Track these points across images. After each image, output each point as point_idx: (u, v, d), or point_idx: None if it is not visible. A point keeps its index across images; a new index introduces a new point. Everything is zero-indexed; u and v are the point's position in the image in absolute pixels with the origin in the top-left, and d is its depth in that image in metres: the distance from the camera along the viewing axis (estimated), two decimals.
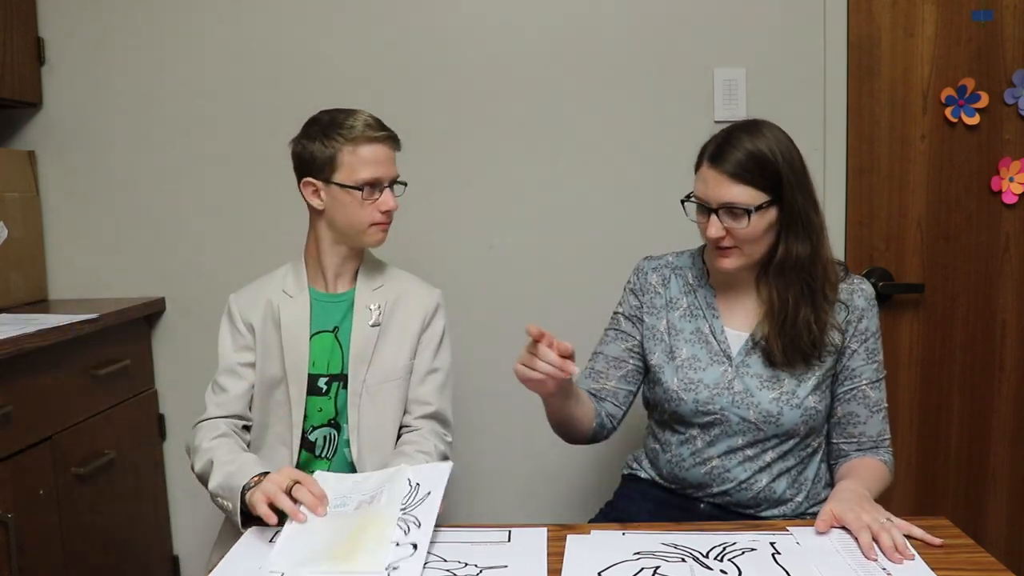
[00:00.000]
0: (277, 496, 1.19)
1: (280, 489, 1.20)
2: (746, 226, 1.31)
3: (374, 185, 1.44)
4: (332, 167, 1.44)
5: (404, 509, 1.18)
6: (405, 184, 1.51)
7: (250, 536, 1.22)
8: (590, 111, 2.07)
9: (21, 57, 2.00)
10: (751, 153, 1.30)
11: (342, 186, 1.44)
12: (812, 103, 2.04)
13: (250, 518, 1.25)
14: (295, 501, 1.20)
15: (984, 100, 2.02)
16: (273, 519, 1.19)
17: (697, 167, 1.38)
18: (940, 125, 2.05)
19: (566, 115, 2.07)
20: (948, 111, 2.04)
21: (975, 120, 2.03)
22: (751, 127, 1.35)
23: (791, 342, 1.36)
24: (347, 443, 1.51)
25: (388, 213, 1.47)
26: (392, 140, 1.47)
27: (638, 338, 1.50)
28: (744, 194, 1.30)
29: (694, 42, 2.04)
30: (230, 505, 1.29)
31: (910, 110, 2.05)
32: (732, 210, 1.31)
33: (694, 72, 2.04)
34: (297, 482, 1.21)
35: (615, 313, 1.54)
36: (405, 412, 1.55)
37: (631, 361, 1.50)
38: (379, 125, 1.45)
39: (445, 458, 1.53)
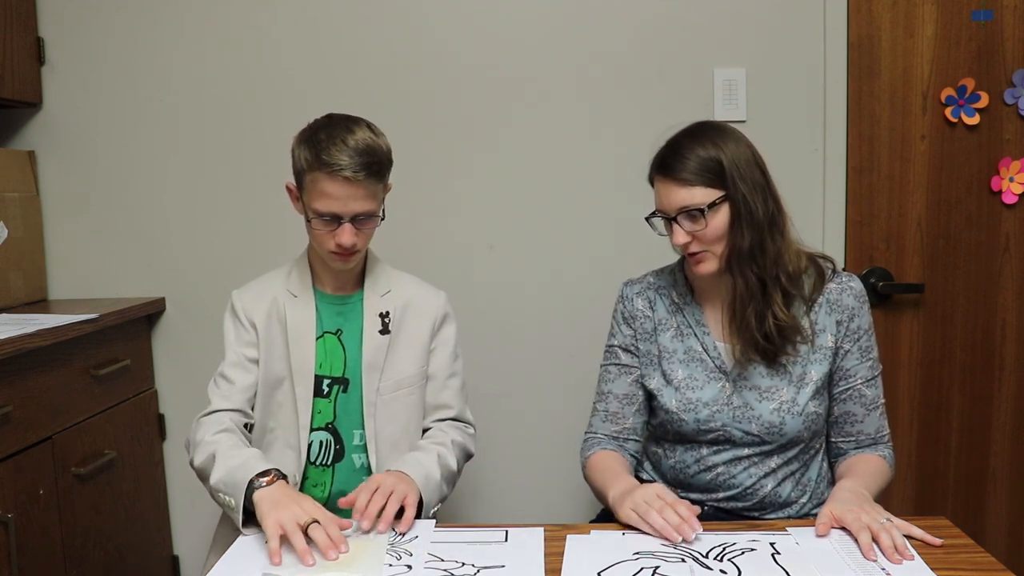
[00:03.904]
0: (293, 534, 1.12)
1: (298, 526, 1.13)
2: (704, 227, 1.31)
3: (330, 217, 1.38)
4: (302, 183, 1.41)
5: (392, 544, 1.19)
6: (382, 217, 1.44)
7: (246, 539, 1.20)
8: (590, 111, 2.07)
9: (21, 57, 2.00)
10: (696, 155, 1.32)
11: (305, 206, 1.41)
12: (812, 103, 2.04)
13: (251, 516, 1.22)
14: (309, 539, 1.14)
15: (984, 100, 2.02)
16: (278, 558, 1.11)
17: (651, 180, 1.40)
18: (940, 125, 2.05)
19: (566, 115, 2.07)
20: (948, 111, 2.04)
21: (975, 120, 2.03)
22: (693, 130, 1.36)
23: (745, 338, 1.36)
24: (356, 449, 1.50)
25: (343, 247, 1.39)
26: (366, 176, 1.35)
27: (638, 367, 1.48)
28: (695, 195, 1.31)
29: (694, 42, 2.04)
30: (232, 502, 1.24)
31: (910, 110, 2.05)
32: (689, 213, 1.32)
33: (694, 72, 2.04)
34: (316, 520, 1.15)
35: (611, 346, 1.52)
36: (426, 416, 1.56)
37: (639, 393, 1.48)
38: (354, 162, 1.33)
39: (466, 450, 1.55)
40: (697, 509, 1.20)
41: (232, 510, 1.24)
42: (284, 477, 1.26)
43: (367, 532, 1.21)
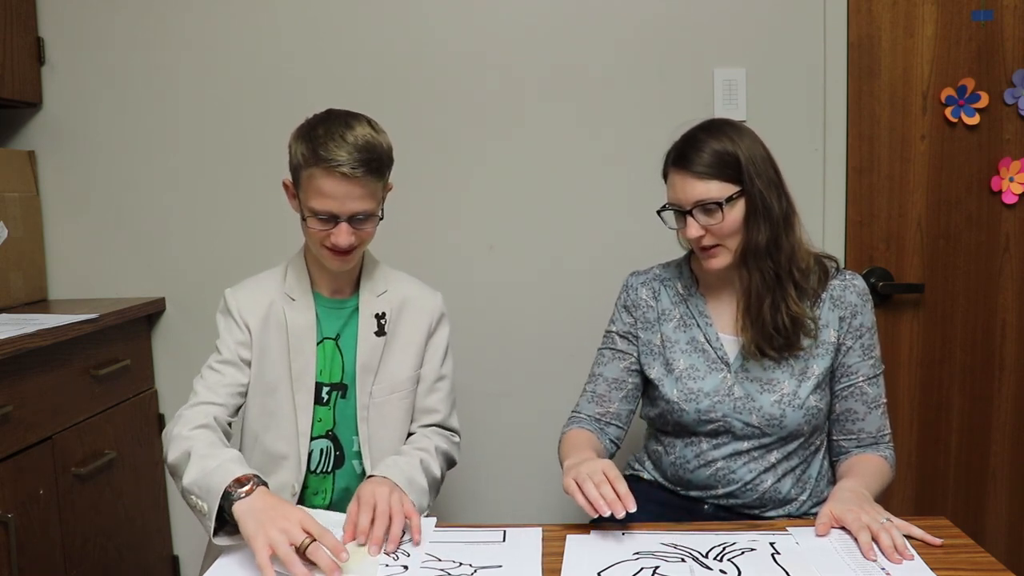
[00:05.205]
0: (291, 564, 1.03)
1: (292, 548, 1.05)
2: (721, 220, 1.33)
3: (326, 216, 1.33)
4: (298, 179, 1.37)
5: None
6: (381, 217, 1.40)
7: (229, 557, 1.14)
8: (590, 111, 2.07)
9: (21, 57, 2.00)
10: (713, 149, 1.33)
11: (301, 204, 1.37)
12: (812, 103, 2.04)
13: (224, 523, 1.14)
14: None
15: (984, 100, 2.02)
16: (270, 573, 1.03)
17: (665, 175, 1.40)
18: (940, 125, 2.05)
19: (566, 115, 2.07)
20: (948, 111, 2.04)
21: (975, 120, 2.03)
22: (708, 126, 1.38)
23: (759, 331, 1.37)
24: (356, 455, 1.47)
25: (340, 248, 1.35)
26: (365, 173, 1.31)
27: (634, 355, 1.50)
28: (712, 189, 1.32)
29: (694, 42, 2.04)
30: (205, 507, 1.15)
31: (910, 110, 2.05)
32: (705, 207, 1.33)
33: (694, 72, 2.04)
34: (311, 537, 1.07)
35: (608, 332, 1.54)
36: (412, 420, 1.52)
37: (630, 380, 1.50)
38: (352, 158, 1.29)
39: (449, 458, 1.51)
40: (631, 501, 1.17)
41: (204, 516, 1.15)
42: (264, 483, 1.17)
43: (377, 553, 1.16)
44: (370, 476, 1.32)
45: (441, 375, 1.53)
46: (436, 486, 1.44)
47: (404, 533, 1.20)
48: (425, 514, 1.34)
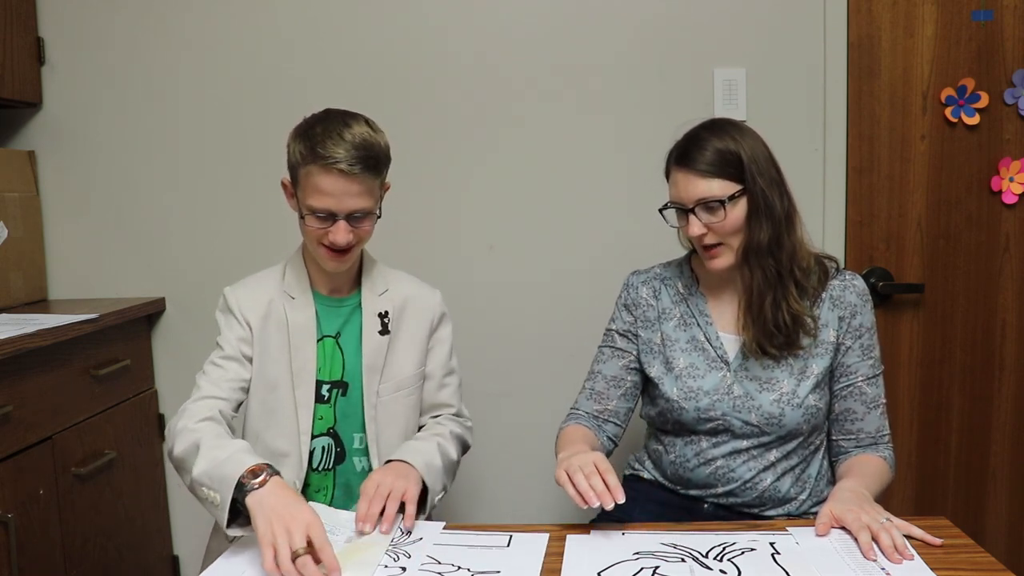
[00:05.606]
0: (287, 570, 1.03)
1: (290, 554, 1.04)
2: (723, 218, 1.33)
3: (324, 214, 1.34)
4: (296, 177, 1.38)
5: (394, 544, 1.19)
6: (378, 215, 1.41)
7: (236, 554, 1.15)
8: (590, 111, 2.07)
9: (21, 57, 2.00)
10: (715, 148, 1.34)
11: (299, 202, 1.38)
12: (812, 103, 2.04)
13: (237, 514, 1.15)
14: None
15: (984, 100, 2.02)
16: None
17: (667, 173, 1.41)
18: (940, 125, 2.05)
19: (566, 115, 2.07)
20: (948, 111, 2.04)
21: (975, 120, 2.03)
22: (711, 125, 1.38)
23: (760, 329, 1.37)
24: (357, 452, 1.48)
25: (337, 246, 1.36)
26: (363, 171, 1.32)
27: (634, 354, 1.50)
28: (715, 187, 1.33)
29: (694, 42, 2.04)
30: (217, 497, 1.14)
31: (910, 110, 2.05)
32: (707, 205, 1.34)
33: (694, 72, 2.04)
34: (309, 547, 1.06)
35: (608, 330, 1.55)
36: (423, 414, 1.55)
37: (629, 378, 1.51)
38: (350, 155, 1.30)
39: (463, 442, 1.55)
40: (620, 492, 1.18)
41: (216, 507, 1.15)
42: (277, 472, 1.17)
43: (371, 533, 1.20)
44: (388, 461, 1.36)
45: (449, 370, 1.57)
46: (453, 468, 1.48)
47: (410, 534, 1.22)
48: (438, 498, 1.38)
